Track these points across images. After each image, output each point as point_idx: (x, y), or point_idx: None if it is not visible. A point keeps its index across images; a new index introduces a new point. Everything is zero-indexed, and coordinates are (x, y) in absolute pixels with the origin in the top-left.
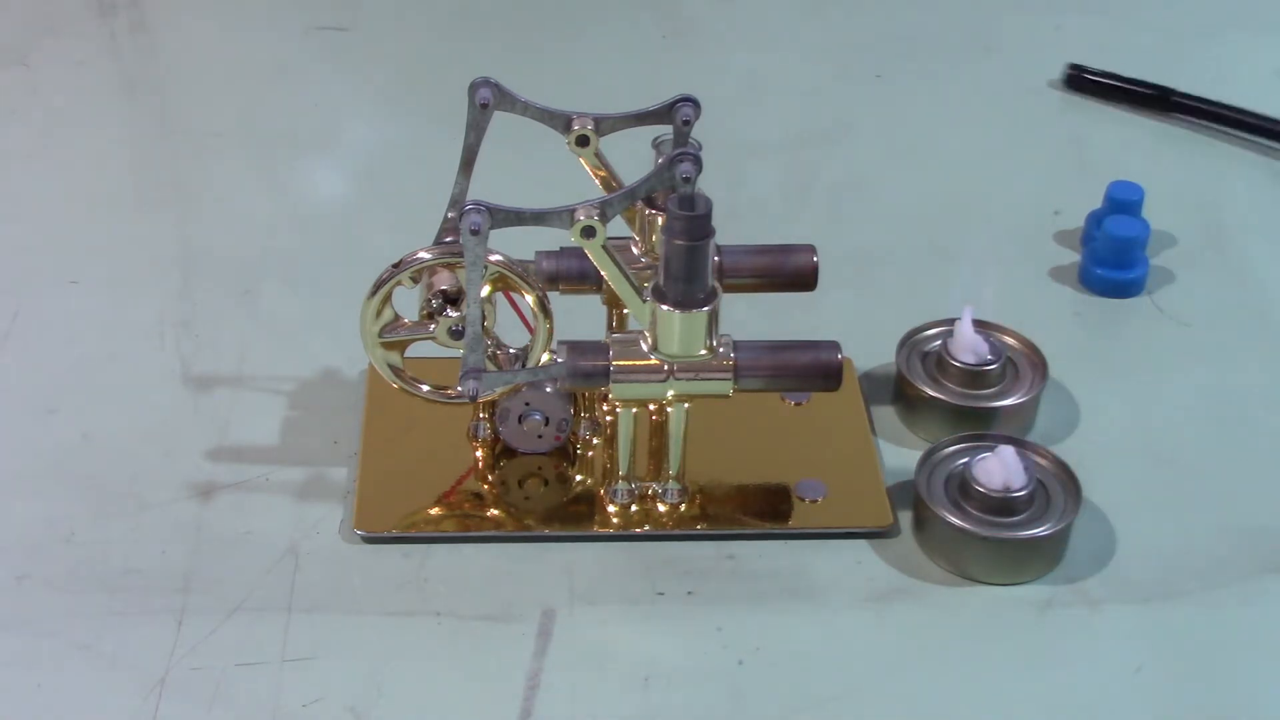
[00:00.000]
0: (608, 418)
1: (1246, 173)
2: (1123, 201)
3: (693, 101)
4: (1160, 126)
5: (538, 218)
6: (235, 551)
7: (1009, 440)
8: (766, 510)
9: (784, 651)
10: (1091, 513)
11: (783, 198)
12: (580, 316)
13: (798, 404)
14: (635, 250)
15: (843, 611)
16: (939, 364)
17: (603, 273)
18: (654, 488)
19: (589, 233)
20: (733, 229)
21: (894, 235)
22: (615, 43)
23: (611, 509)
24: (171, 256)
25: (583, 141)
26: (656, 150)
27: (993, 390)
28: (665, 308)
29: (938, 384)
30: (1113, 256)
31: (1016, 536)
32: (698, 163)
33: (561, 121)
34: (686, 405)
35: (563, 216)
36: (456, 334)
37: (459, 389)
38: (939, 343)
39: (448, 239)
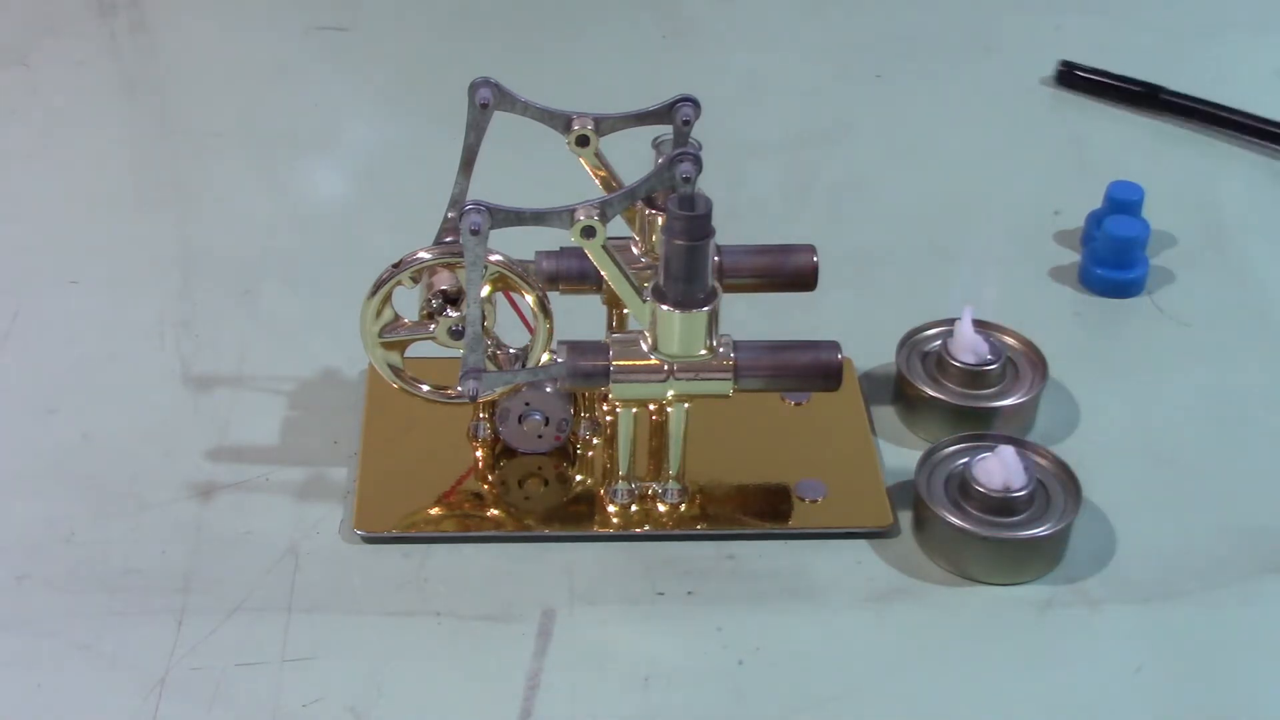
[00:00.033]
0: (608, 418)
1: (1246, 173)
2: (1123, 201)
3: (693, 101)
4: (1160, 126)
5: (538, 218)
6: (235, 551)
7: (1009, 440)
8: (766, 510)
9: (784, 651)
10: (1091, 513)
11: (783, 198)
12: (580, 316)
13: (798, 404)
14: (635, 250)
15: (843, 611)
16: (939, 364)
17: (603, 273)
18: (654, 488)
19: (589, 233)
20: (733, 229)
21: (894, 235)
22: (615, 43)
23: (611, 509)
24: (171, 256)
25: (583, 141)
26: (656, 150)
27: (993, 390)
28: (665, 308)
29: (938, 384)
30: (1113, 256)
31: (1016, 536)
32: (698, 163)
33: (561, 121)
34: (686, 405)
35: (563, 216)
36: (456, 334)
37: (459, 389)
38: (939, 343)
39: (448, 239)
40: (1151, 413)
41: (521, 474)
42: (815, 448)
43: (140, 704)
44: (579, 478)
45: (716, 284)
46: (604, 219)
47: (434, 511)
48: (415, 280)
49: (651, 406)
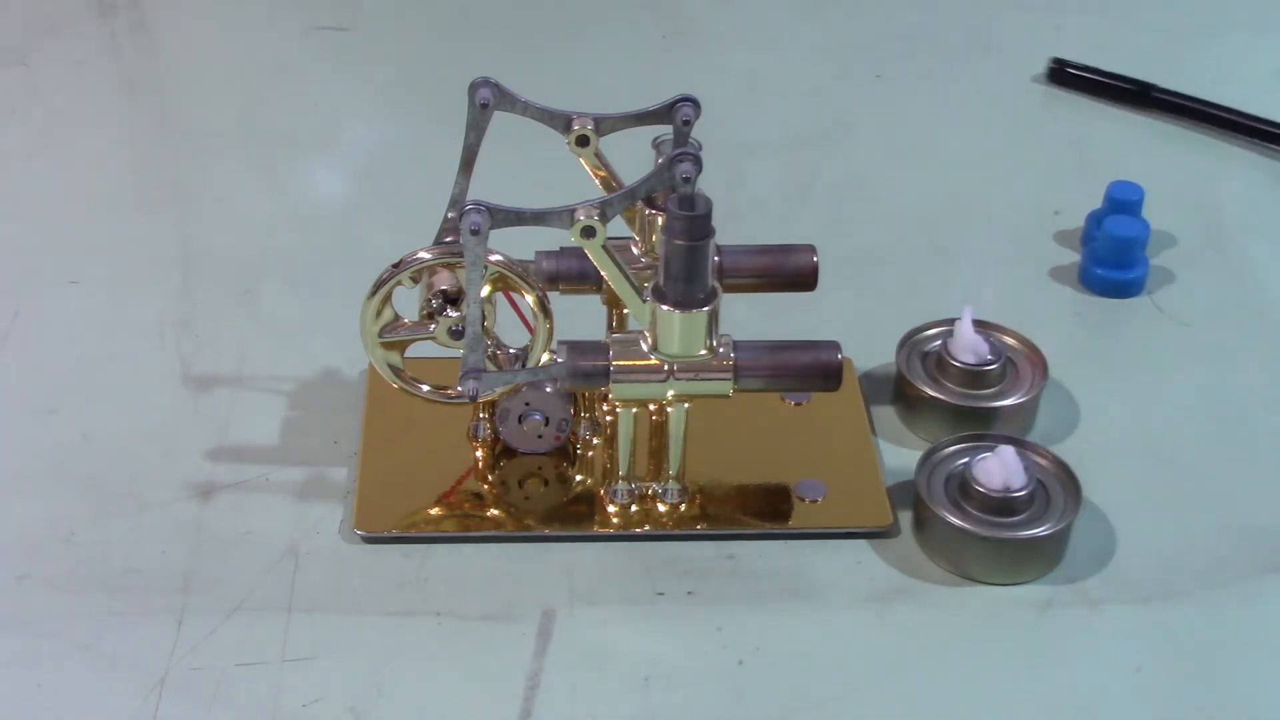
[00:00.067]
0: (608, 418)
1: (1246, 173)
2: (1123, 201)
3: (693, 101)
4: (1159, 125)
5: (538, 218)
6: (235, 551)
7: (1009, 440)
8: (766, 510)
9: (784, 651)
10: (1091, 513)
11: (783, 198)
12: (580, 316)
13: (798, 404)
14: (635, 250)
15: (843, 611)
16: (939, 364)
17: (603, 273)
18: (654, 488)
19: (589, 233)
20: (733, 229)
21: (894, 235)
22: (615, 43)
23: (611, 509)
24: (171, 256)
25: (583, 141)
26: (656, 150)
27: (993, 390)
28: (665, 308)
29: (938, 384)
30: (1113, 256)
31: (1016, 536)
32: (698, 163)
33: (561, 121)
34: (686, 405)
35: (563, 216)
36: (456, 334)
37: (459, 389)
38: (939, 343)
39: (448, 239)
40: (1151, 413)
41: (521, 474)
42: (815, 448)
43: (140, 704)
44: (579, 478)
45: (716, 284)
46: (604, 219)
47: (434, 511)
48: (415, 280)
49: (651, 406)
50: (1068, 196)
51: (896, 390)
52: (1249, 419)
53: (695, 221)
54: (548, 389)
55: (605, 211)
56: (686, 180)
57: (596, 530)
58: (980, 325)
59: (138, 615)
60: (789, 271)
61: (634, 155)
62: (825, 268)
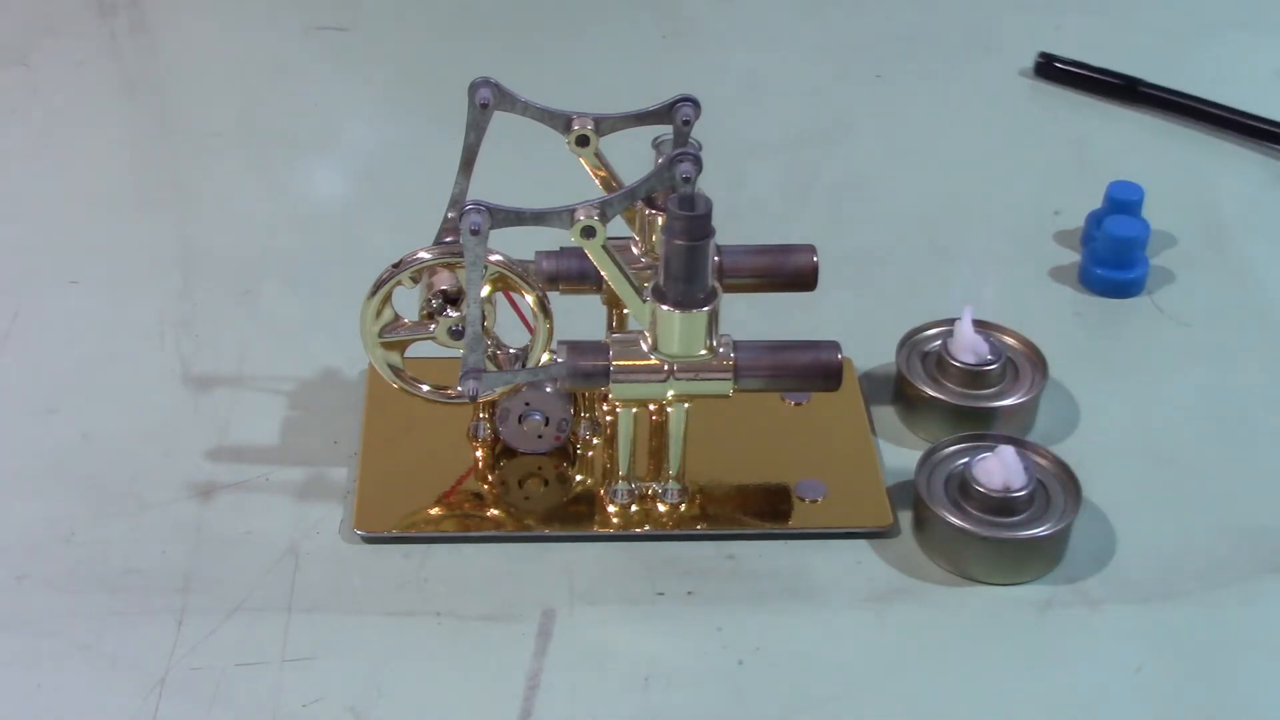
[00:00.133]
0: (608, 418)
1: (1246, 172)
2: (1123, 201)
3: (693, 101)
4: (1160, 125)
5: (538, 218)
6: (235, 551)
7: (1009, 440)
8: (766, 510)
9: (784, 651)
10: (1091, 513)
11: (783, 198)
12: (580, 316)
13: (798, 404)
14: (635, 250)
15: (843, 611)
16: (939, 364)
17: (603, 273)
18: (654, 488)
19: (589, 233)
20: (733, 229)
21: (894, 235)
22: (615, 43)
23: (611, 509)
24: (171, 256)
25: (583, 141)
26: (656, 150)
27: (993, 390)
28: (665, 308)
29: (938, 384)
30: (1113, 256)
31: (1016, 536)
32: (698, 163)
33: (561, 121)
34: (686, 405)
35: (563, 216)
36: (456, 334)
37: (459, 389)
38: (939, 343)
39: (448, 239)
40: (1151, 413)
41: (521, 474)
42: (815, 448)
43: (140, 704)
44: (579, 478)
45: (716, 284)
46: (604, 219)
47: (434, 511)
48: (415, 280)
49: (651, 406)
50: (1068, 196)
51: (896, 390)
52: (1249, 419)
53: (695, 221)
54: (548, 389)
55: (605, 211)
56: (686, 180)
57: (596, 530)
58: (980, 325)
59: (138, 615)
60: (789, 271)
61: (634, 155)
62: (825, 268)
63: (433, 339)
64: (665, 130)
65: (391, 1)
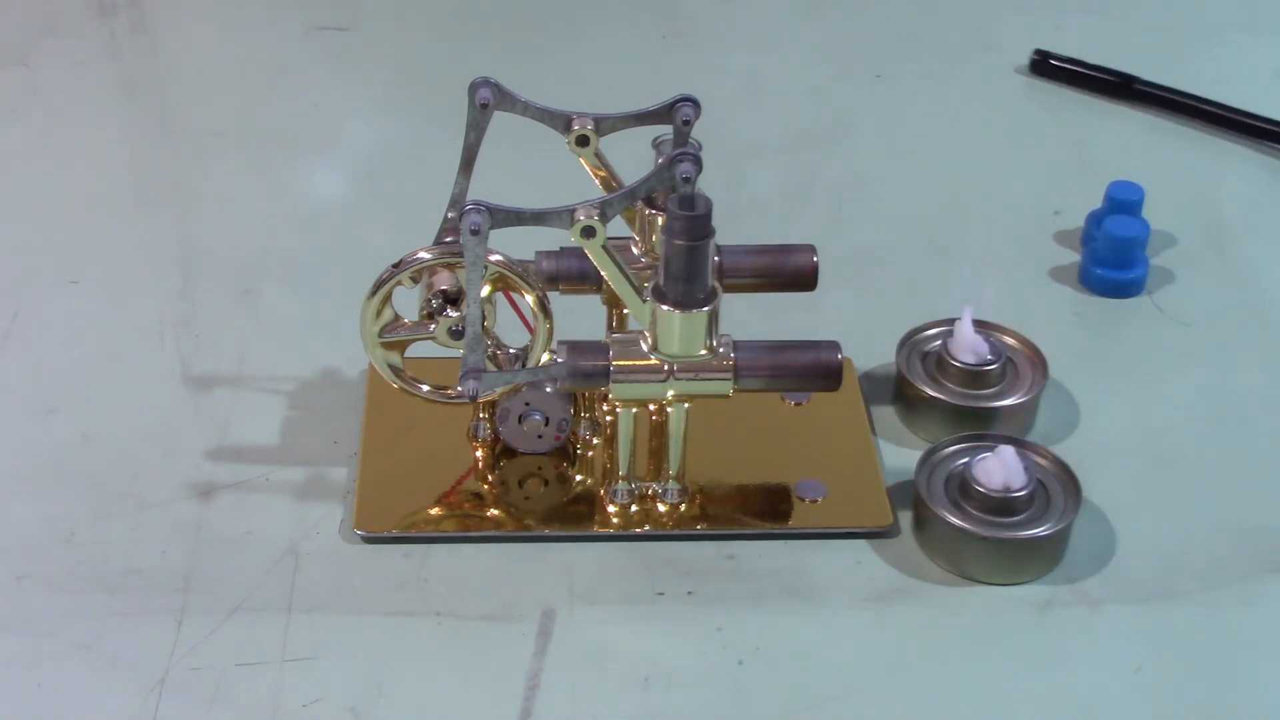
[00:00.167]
0: (608, 418)
1: (1246, 172)
2: (1123, 201)
3: (693, 101)
4: (1160, 125)
5: (538, 218)
6: (235, 551)
7: (1009, 440)
8: (766, 510)
9: (784, 651)
10: (1091, 513)
11: (783, 198)
12: (580, 316)
13: (798, 404)
14: (635, 250)
15: (843, 611)
16: (939, 364)
17: (603, 273)
18: (654, 488)
19: (589, 233)
20: (733, 229)
21: (894, 235)
22: (615, 43)
23: (611, 509)
24: (171, 256)
25: (583, 141)
26: (656, 150)
27: (993, 390)
28: (665, 308)
29: (938, 384)
30: (1113, 256)
31: (1016, 536)
32: (698, 163)
33: (561, 121)
34: (686, 405)
35: (563, 216)
36: (456, 334)
37: (459, 389)
38: (939, 343)
39: (448, 239)
40: (1151, 413)
41: (521, 474)
42: (815, 448)
43: (140, 704)
44: (579, 478)
45: (716, 284)
46: (604, 219)
47: (434, 511)
48: (415, 280)
49: (651, 406)
50: (1067, 196)
51: (896, 390)
52: (1249, 419)
53: (695, 221)
54: (548, 389)
55: (605, 211)
56: (686, 180)
57: (596, 530)
58: (980, 325)
59: (138, 615)
60: (789, 271)
61: (634, 155)
62: (825, 268)
63: (433, 339)
64: (665, 130)
65: (391, 1)
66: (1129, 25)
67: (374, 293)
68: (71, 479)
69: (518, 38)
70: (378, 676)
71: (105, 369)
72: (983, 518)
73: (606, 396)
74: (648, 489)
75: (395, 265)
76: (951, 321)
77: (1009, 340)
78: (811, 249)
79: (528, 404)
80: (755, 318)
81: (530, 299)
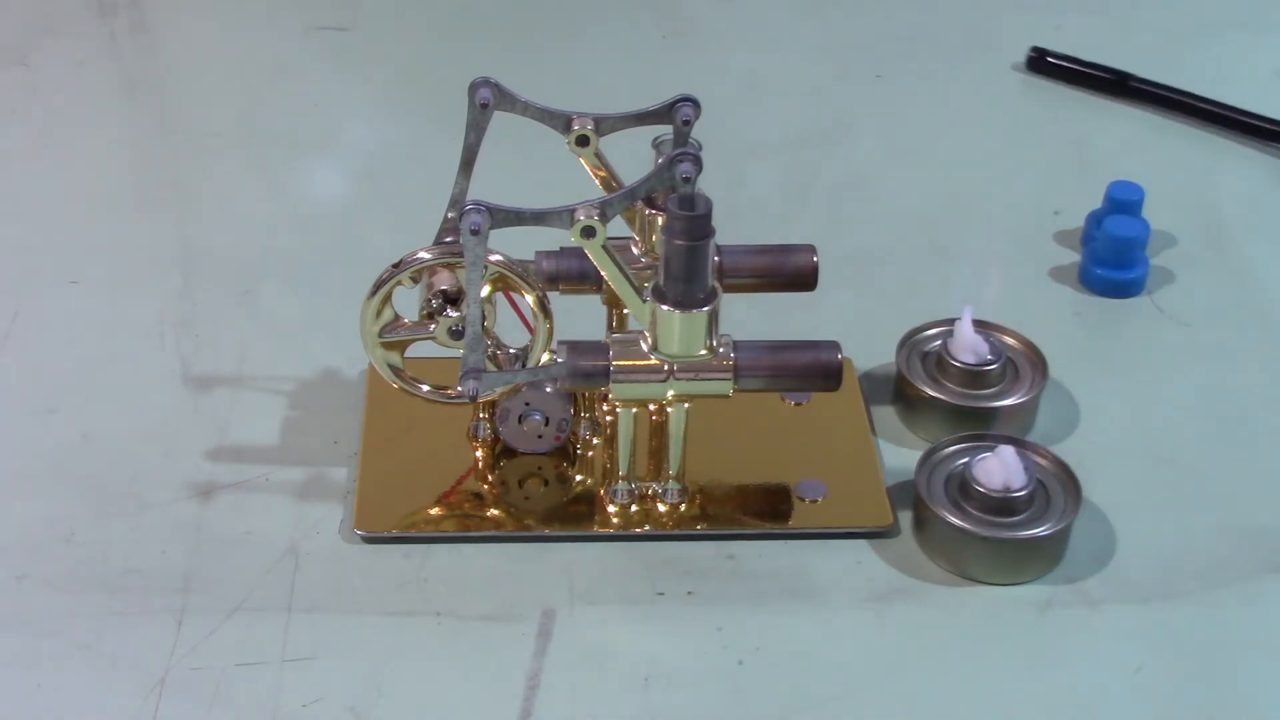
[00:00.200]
0: (608, 418)
1: (1246, 172)
2: (1123, 201)
3: (693, 101)
4: (1160, 124)
5: (538, 218)
6: (235, 551)
7: (1009, 440)
8: (766, 510)
9: (784, 651)
10: (1091, 513)
11: (783, 198)
12: (580, 316)
13: (798, 404)
14: (635, 250)
15: (843, 611)
16: (939, 364)
17: (603, 273)
18: (654, 488)
19: (589, 233)
20: (733, 229)
21: (894, 235)
22: (615, 43)
23: (611, 509)
24: (171, 256)
25: (583, 141)
26: (656, 150)
27: (993, 390)
28: (665, 308)
29: (938, 384)
30: (1113, 256)
31: (1016, 536)
32: (698, 163)
33: (561, 121)
34: (686, 405)
35: (563, 216)
36: (456, 334)
37: (459, 389)
38: (939, 343)
39: (448, 239)
40: (1151, 413)
41: (521, 474)
42: (815, 448)
43: (140, 704)
44: (579, 478)
45: (716, 284)
46: (604, 219)
47: (434, 511)
48: (415, 280)
49: (651, 406)
50: (1067, 196)
51: (896, 390)
52: (1249, 419)
53: (695, 221)
54: (548, 389)
55: (605, 211)
56: (686, 180)
57: (596, 530)
58: (980, 325)
59: (138, 615)
60: (789, 271)
61: (634, 155)
62: (825, 268)
63: (433, 339)
64: (665, 130)
65: (391, 1)
66: (1129, 25)
67: (374, 293)
68: (71, 479)
69: (518, 38)
70: (378, 676)
71: (105, 369)
72: (983, 518)
73: (606, 396)
74: (648, 489)
75: (395, 265)
76: (951, 321)
77: (1009, 340)
78: (811, 249)
79: (528, 404)
80: (755, 318)
81: (530, 299)
